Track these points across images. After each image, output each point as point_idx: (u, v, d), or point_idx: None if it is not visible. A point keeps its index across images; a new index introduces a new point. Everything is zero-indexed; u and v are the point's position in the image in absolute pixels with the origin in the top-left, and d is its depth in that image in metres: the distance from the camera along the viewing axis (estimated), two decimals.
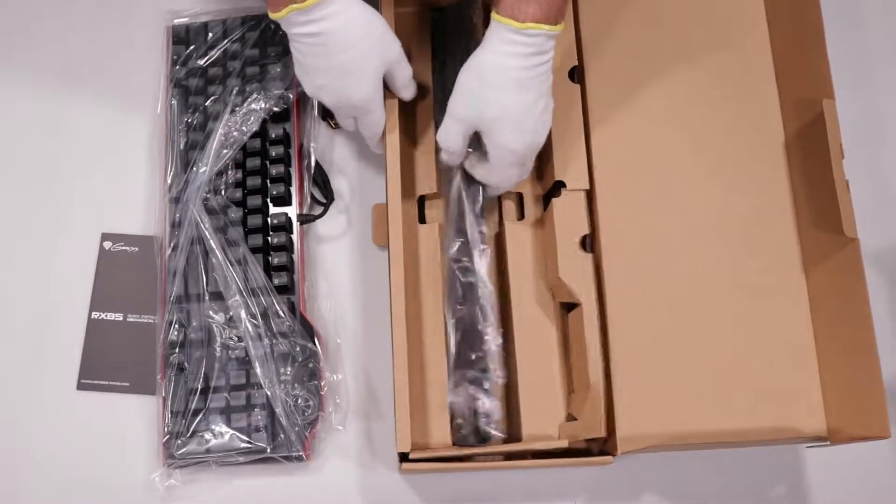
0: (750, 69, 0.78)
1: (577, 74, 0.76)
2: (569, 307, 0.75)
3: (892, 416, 0.74)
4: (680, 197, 0.74)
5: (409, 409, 0.67)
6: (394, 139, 0.73)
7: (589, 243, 0.73)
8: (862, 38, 0.88)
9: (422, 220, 0.79)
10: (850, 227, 0.66)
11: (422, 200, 0.79)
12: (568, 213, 0.73)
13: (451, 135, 0.72)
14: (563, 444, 0.69)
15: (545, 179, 0.77)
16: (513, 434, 0.73)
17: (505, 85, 0.68)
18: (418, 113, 0.81)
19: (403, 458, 0.67)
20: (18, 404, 0.78)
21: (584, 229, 0.72)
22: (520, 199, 0.79)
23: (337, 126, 0.83)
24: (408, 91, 0.75)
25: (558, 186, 0.74)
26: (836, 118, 0.69)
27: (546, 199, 0.77)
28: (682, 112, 0.77)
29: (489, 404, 0.73)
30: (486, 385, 0.73)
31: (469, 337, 0.74)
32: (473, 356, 0.74)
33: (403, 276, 0.70)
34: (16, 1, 0.88)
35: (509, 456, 0.70)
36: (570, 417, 0.72)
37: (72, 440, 0.77)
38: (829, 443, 0.69)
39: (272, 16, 0.68)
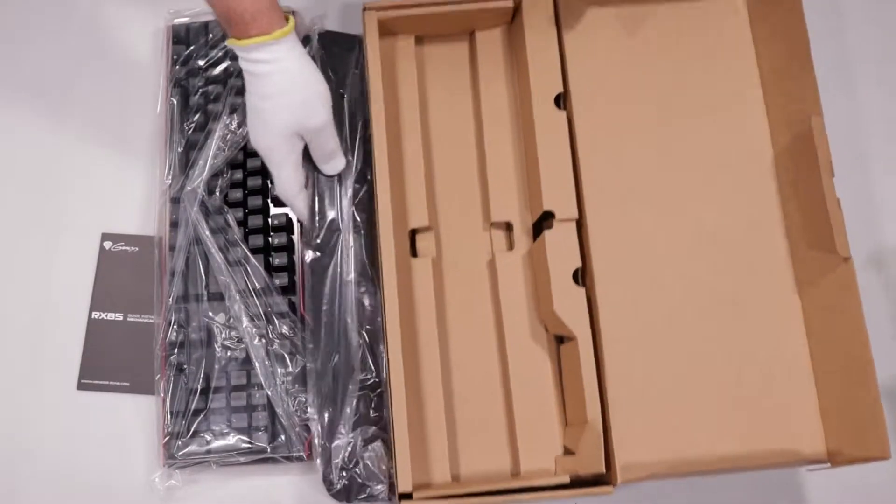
0: (737, 89, 0.77)
1: (562, 101, 0.76)
2: (561, 338, 0.74)
3: (892, 422, 0.76)
4: (671, 221, 0.74)
5: (409, 448, 0.67)
6: (383, 169, 0.72)
7: (580, 276, 0.72)
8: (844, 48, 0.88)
9: (413, 253, 0.78)
10: (842, 246, 0.66)
11: (413, 234, 0.78)
12: (560, 246, 0.72)
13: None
14: (564, 480, 0.68)
15: (534, 208, 0.77)
16: (511, 468, 0.73)
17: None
18: (405, 143, 0.79)
19: (404, 497, 0.67)
20: (18, 404, 0.78)
21: (577, 262, 0.72)
22: (508, 228, 0.79)
23: None
24: (328, 166, 0.76)
25: (548, 216, 0.74)
26: (824, 135, 0.69)
27: (536, 228, 0.77)
28: (670, 135, 0.76)
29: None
30: None
31: None
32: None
33: (398, 311, 0.69)
34: (16, 1, 0.88)
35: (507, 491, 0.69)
36: (567, 451, 0.72)
37: (72, 440, 0.77)
38: (829, 465, 0.69)
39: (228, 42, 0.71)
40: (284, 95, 0.71)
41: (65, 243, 0.82)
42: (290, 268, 0.77)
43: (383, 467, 0.73)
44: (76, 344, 0.79)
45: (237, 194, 0.79)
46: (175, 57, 0.83)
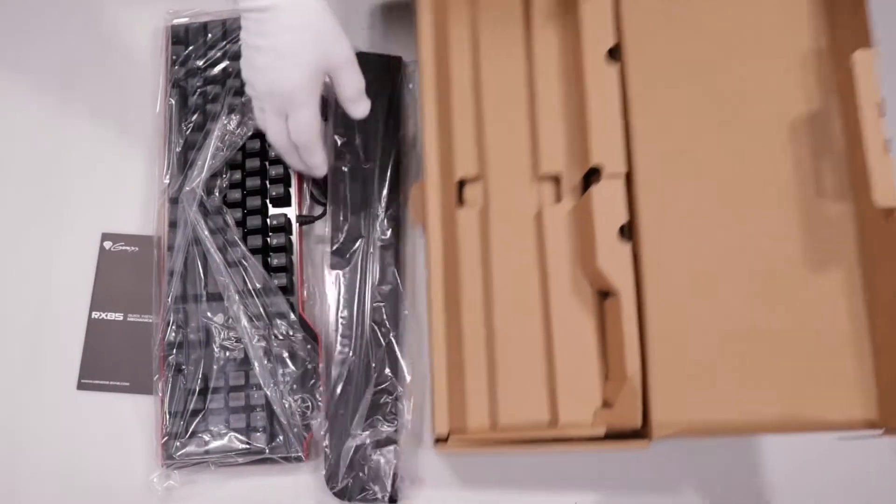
0: (793, 41, 0.74)
1: (615, 54, 0.74)
2: (605, 293, 0.73)
3: None
4: (722, 181, 0.72)
5: (446, 392, 0.66)
6: (430, 116, 0.71)
7: (627, 231, 0.71)
8: None
9: (460, 203, 0.78)
10: (886, 194, 0.63)
11: (461, 184, 0.78)
12: (607, 201, 0.71)
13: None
14: (600, 432, 0.68)
15: (582, 162, 0.75)
16: (549, 418, 0.73)
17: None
18: (454, 92, 0.78)
19: (440, 441, 0.67)
20: (18, 404, 0.78)
21: (623, 218, 0.71)
22: (557, 181, 0.77)
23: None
24: (356, 106, 0.73)
25: (595, 171, 0.72)
26: (870, 71, 0.64)
27: (585, 182, 0.76)
28: (724, 91, 0.74)
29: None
30: None
31: None
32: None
33: (442, 258, 0.69)
34: (16, 1, 0.88)
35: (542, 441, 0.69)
36: (606, 404, 0.72)
37: (71, 440, 0.77)
38: (880, 432, 0.67)
39: None
40: (309, 28, 0.68)
41: (65, 243, 0.82)
42: (288, 268, 0.77)
43: (390, 472, 0.73)
44: (76, 344, 0.79)
45: (236, 194, 0.79)
46: (174, 57, 0.83)
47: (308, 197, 0.82)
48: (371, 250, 0.78)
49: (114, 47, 0.87)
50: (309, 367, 0.75)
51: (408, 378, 0.75)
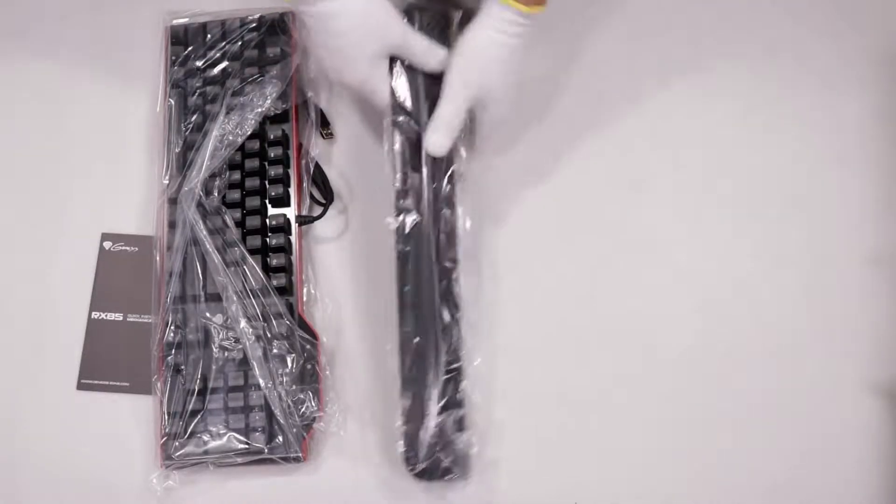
0: None
1: None
2: None
3: (889, 414, 0.75)
4: None
5: None
6: None
7: None
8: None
9: None
10: None
11: None
12: None
13: (458, 111, 0.74)
14: None
15: None
16: None
17: (507, 62, 0.73)
18: None
19: None
20: (18, 404, 0.78)
21: None
22: None
23: (330, 136, 0.83)
24: (427, 62, 0.75)
25: None
26: None
27: None
28: None
29: None
30: None
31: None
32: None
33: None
34: (16, 1, 0.88)
35: None
36: None
37: (71, 440, 0.77)
38: None
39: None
40: (360, 27, 0.72)
41: (65, 243, 0.82)
42: (288, 269, 0.77)
43: (468, 452, 0.72)
44: (76, 344, 0.79)
45: (235, 195, 0.79)
46: (174, 58, 0.83)
47: (308, 197, 0.82)
48: (433, 226, 0.75)
49: (114, 48, 0.87)
50: (308, 367, 0.75)
51: (477, 359, 0.75)
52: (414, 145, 0.75)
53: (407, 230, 0.74)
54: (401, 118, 0.75)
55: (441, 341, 0.73)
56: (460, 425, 0.72)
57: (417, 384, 0.72)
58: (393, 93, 0.75)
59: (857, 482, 0.75)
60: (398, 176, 0.75)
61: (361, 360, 0.78)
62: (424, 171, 0.75)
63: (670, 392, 0.77)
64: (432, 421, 0.72)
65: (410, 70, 0.75)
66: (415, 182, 0.75)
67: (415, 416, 0.72)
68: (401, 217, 0.74)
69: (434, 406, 0.72)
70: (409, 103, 0.75)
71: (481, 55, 0.73)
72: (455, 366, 0.73)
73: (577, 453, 0.76)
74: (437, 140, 0.74)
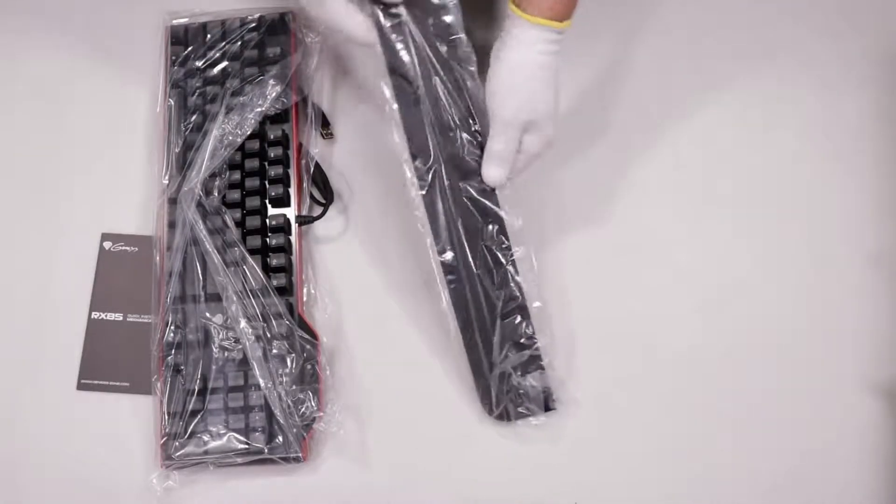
0: None
1: None
2: None
3: (892, 423, 0.75)
4: None
5: None
6: None
7: None
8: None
9: None
10: None
11: None
12: None
13: (511, 140, 0.72)
14: None
15: None
16: None
17: (550, 82, 0.71)
18: None
19: None
20: (18, 404, 0.78)
21: None
22: None
23: (330, 136, 0.83)
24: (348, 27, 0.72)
25: None
26: None
27: None
28: None
29: None
30: None
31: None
32: None
33: None
34: (16, 1, 0.88)
35: None
36: None
37: (71, 440, 0.77)
38: None
39: None
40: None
41: (65, 243, 0.82)
42: (287, 269, 0.77)
43: (540, 389, 0.75)
44: (76, 344, 0.79)
45: (235, 195, 0.79)
46: (173, 58, 0.83)
47: (308, 197, 0.82)
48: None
49: (114, 47, 0.87)
50: (308, 367, 0.75)
51: (535, 302, 0.75)
52: (413, 106, 0.72)
53: (429, 184, 0.72)
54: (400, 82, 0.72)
55: (488, 285, 0.73)
56: (528, 367, 0.74)
57: (478, 334, 0.74)
58: (387, 52, 0.72)
59: (857, 482, 0.75)
60: (407, 140, 0.72)
61: (361, 360, 0.78)
62: (429, 132, 0.73)
63: (670, 392, 0.77)
64: (497, 370, 0.74)
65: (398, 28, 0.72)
66: (424, 142, 0.72)
67: (481, 365, 0.74)
68: (421, 179, 0.73)
69: (498, 352, 0.74)
70: (404, 62, 0.72)
71: (528, 81, 0.70)
72: (510, 307, 0.74)
73: (577, 453, 0.76)
74: (495, 174, 0.72)
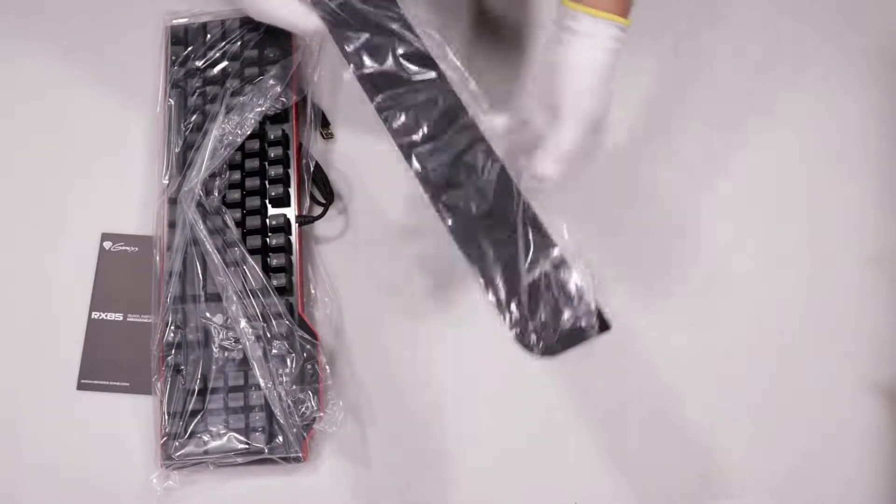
0: None
1: None
2: None
3: (891, 423, 0.75)
4: None
5: None
6: None
7: None
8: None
9: None
10: None
11: None
12: None
13: (582, 140, 0.68)
14: None
15: None
16: None
17: (611, 79, 0.69)
18: None
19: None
20: (18, 404, 0.78)
21: None
22: None
23: (330, 136, 0.83)
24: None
25: None
26: None
27: None
28: None
29: None
30: None
31: None
32: None
33: None
34: (16, 1, 0.88)
35: None
36: None
37: (71, 440, 0.77)
38: None
39: None
40: None
41: (65, 243, 0.82)
42: (288, 269, 0.77)
43: (590, 299, 0.63)
44: (76, 344, 0.79)
45: (235, 195, 0.79)
46: (173, 58, 0.83)
47: (308, 197, 0.82)
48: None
49: (113, 47, 0.87)
50: (308, 367, 0.75)
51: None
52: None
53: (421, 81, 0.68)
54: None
55: (493, 191, 0.66)
56: (561, 274, 0.64)
57: (486, 252, 0.65)
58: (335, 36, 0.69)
59: (857, 482, 0.75)
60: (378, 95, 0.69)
61: (361, 360, 0.78)
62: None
63: (670, 392, 0.77)
64: (525, 278, 0.64)
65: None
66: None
67: (510, 289, 0.63)
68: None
69: (525, 278, 0.64)
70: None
71: (596, 78, 0.68)
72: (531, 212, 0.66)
73: (577, 453, 0.76)
74: (555, 171, 0.68)
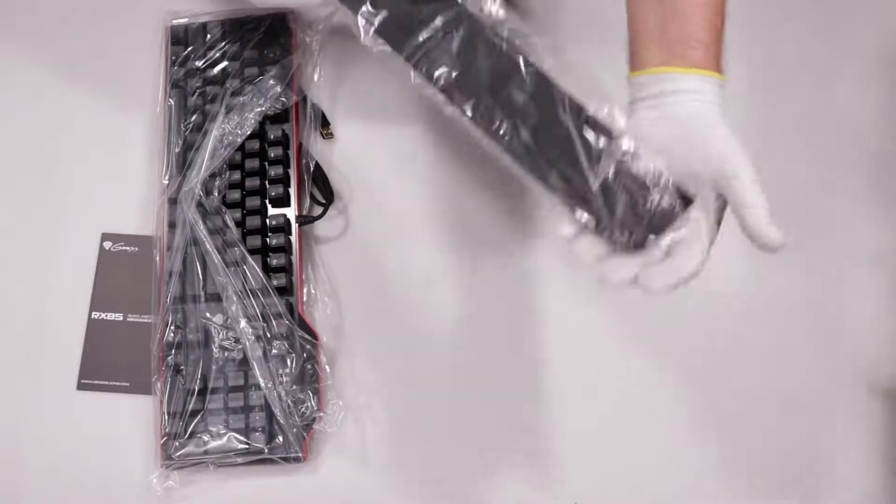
0: None
1: None
2: None
3: (892, 423, 0.75)
4: None
5: None
6: None
7: None
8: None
9: None
10: None
11: None
12: None
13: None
14: None
15: None
16: None
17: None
18: None
19: None
20: (18, 404, 0.78)
21: None
22: None
23: (330, 136, 0.83)
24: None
25: None
26: None
27: None
28: None
29: None
30: None
31: None
32: None
33: None
34: (15, 1, 0.88)
35: None
36: None
37: (71, 440, 0.77)
38: None
39: None
40: None
41: (65, 243, 0.82)
42: (288, 269, 0.77)
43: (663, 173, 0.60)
44: (76, 344, 0.79)
45: (235, 195, 0.79)
46: (173, 58, 0.83)
47: (308, 197, 0.82)
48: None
49: (113, 47, 0.87)
50: (308, 367, 0.75)
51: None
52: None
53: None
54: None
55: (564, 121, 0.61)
56: (635, 179, 0.60)
57: (554, 161, 0.61)
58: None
59: (858, 482, 0.75)
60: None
61: (361, 360, 0.78)
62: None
63: (670, 392, 0.77)
64: (597, 178, 0.60)
65: None
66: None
67: (581, 186, 0.60)
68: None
69: (598, 178, 0.60)
70: None
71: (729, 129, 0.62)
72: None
73: (577, 453, 0.76)
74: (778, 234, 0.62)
